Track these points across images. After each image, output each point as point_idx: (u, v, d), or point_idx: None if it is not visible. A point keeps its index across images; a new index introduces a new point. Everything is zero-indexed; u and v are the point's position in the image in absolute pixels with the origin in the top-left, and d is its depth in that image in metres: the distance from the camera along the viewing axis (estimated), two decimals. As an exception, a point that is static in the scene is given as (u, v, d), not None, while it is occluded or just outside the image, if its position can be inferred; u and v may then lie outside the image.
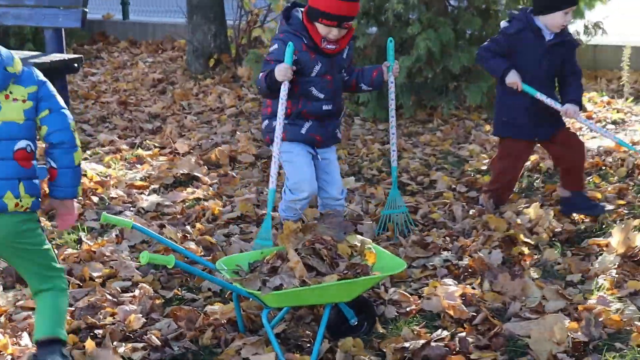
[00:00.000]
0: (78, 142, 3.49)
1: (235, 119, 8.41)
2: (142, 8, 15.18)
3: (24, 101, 3.36)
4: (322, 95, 4.90)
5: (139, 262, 4.64)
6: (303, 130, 4.93)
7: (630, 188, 6.00)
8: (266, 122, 5.01)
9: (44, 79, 3.48)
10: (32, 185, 3.41)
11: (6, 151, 3.35)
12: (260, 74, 4.82)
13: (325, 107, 4.94)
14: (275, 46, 4.83)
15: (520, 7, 5.62)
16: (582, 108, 5.66)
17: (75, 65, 8.34)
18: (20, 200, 3.36)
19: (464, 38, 8.36)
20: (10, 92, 3.36)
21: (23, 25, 10.63)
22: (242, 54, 10.80)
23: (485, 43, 5.60)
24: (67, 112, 3.49)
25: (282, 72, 4.69)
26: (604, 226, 5.32)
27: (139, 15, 14.46)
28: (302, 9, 4.87)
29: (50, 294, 3.55)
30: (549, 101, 5.33)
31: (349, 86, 5.18)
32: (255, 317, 4.12)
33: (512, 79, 5.35)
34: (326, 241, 3.90)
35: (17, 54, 3.45)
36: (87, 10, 8.72)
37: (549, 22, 5.33)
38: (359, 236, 4.09)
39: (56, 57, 8.30)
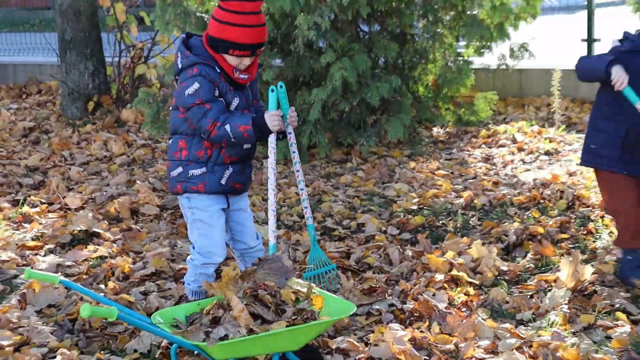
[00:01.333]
0: None
1: (128, 167, 8.50)
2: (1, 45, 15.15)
3: None
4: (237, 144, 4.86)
5: (49, 326, 4.87)
6: (223, 180, 4.86)
7: (572, 221, 6.38)
8: (179, 169, 4.87)
9: None
10: None
11: None
12: (215, 121, 4.67)
13: (246, 146, 4.90)
14: (197, 85, 4.68)
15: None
16: None
17: None
18: None
19: (380, 66, 8.67)
20: None
21: None
22: (124, 95, 10.89)
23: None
24: None
25: (276, 120, 4.77)
26: (548, 262, 5.67)
27: (-2, 54, 14.41)
28: (201, 38, 4.86)
29: None
30: None
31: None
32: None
33: (618, 73, 5.05)
34: (269, 287, 4.13)
35: None
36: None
37: None
38: (301, 281, 4.31)
39: None
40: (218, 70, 4.76)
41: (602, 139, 5.32)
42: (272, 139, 4.93)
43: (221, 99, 4.78)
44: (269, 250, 4.94)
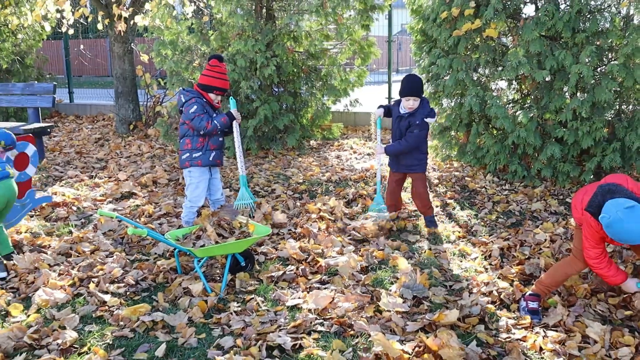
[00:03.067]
0: None
1: (151, 159, 8.28)
2: (82, 95, 14.64)
3: None
4: (219, 132, 4.86)
5: (109, 241, 4.75)
6: (211, 158, 4.82)
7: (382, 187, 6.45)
8: (187, 154, 4.81)
9: None
10: None
11: None
12: (208, 122, 4.67)
13: (219, 139, 4.88)
14: (195, 106, 4.70)
15: None
16: (387, 154, 5.21)
17: (48, 130, 8.13)
18: None
19: (283, 108, 8.55)
20: None
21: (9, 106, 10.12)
22: (149, 121, 10.66)
23: None
24: None
25: (237, 114, 4.82)
26: (367, 208, 5.65)
27: (80, 99, 13.89)
28: (192, 89, 4.84)
29: None
30: None
31: (227, 132, 5.00)
32: (186, 265, 4.27)
33: (374, 114, 5.25)
34: (226, 220, 4.12)
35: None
36: (56, 96, 8.51)
37: None
38: (242, 217, 4.26)
39: (36, 125, 8.06)
40: (205, 100, 4.79)
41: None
42: (235, 124, 4.87)
43: (207, 114, 4.75)
44: (239, 179, 4.93)
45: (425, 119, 4.95)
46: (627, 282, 3.24)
